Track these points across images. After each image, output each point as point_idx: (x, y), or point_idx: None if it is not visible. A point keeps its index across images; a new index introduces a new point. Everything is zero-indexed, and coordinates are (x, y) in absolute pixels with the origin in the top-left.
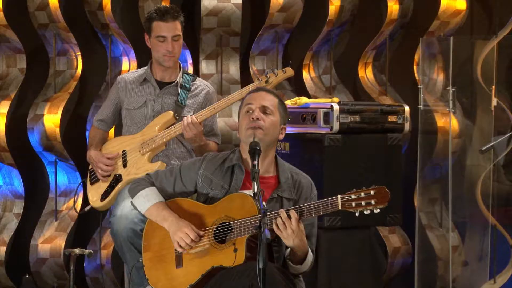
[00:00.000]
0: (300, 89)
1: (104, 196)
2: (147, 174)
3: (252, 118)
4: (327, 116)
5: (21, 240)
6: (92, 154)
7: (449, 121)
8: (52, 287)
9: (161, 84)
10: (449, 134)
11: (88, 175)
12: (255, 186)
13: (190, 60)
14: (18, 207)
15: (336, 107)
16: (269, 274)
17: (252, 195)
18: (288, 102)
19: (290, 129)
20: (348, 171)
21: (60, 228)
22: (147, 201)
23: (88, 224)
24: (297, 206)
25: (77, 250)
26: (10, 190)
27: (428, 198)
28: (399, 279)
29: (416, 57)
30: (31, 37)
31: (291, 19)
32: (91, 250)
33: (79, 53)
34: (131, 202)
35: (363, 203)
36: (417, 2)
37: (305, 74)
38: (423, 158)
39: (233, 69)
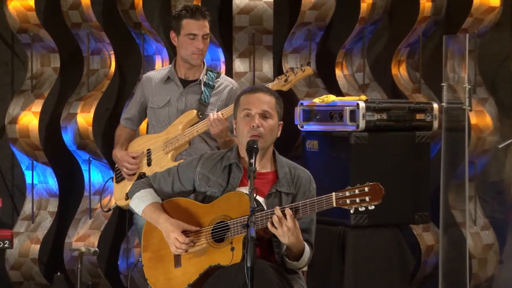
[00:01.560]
0: (333, 87)
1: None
2: (146, 176)
3: (253, 126)
4: (353, 114)
5: (55, 238)
6: (117, 153)
7: (466, 119)
8: (87, 285)
9: (185, 83)
10: (465, 132)
11: (114, 174)
12: (253, 183)
13: (223, 59)
14: (53, 206)
15: (362, 105)
16: (262, 272)
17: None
18: (316, 100)
19: (318, 127)
20: (375, 169)
21: (94, 226)
22: (141, 202)
23: (121, 222)
24: (293, 204)
25: (83, 248)
26: (44, 189)
27: (463, 196)
28: (433, 277)
29: (449, 55)
30: (65, 36)
31: (323, 17)
32: (96, 249)
33: (112, 52)
34: (128, 204)
35: (357, 200)
36: None
37: (337, 72)
38: (451, 155)
39: (266, 67)
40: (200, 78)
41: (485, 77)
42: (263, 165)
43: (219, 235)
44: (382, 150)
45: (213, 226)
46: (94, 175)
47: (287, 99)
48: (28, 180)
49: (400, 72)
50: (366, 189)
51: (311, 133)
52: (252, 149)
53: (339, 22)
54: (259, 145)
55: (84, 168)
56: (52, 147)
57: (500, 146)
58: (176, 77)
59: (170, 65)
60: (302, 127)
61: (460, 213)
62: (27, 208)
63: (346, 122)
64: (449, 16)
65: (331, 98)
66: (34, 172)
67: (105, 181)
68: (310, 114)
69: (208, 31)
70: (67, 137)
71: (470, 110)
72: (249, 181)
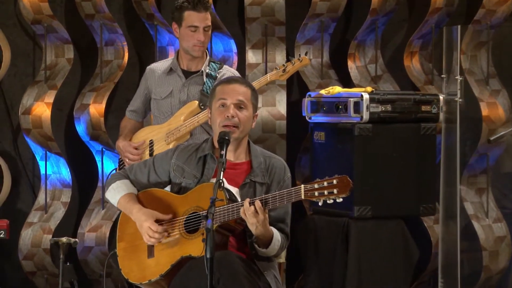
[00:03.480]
0: (346, 78)
1: None
2: (124, 167)
3: (227, 116)
4: (357, 105)
5: (68, 229)
6: (120, 143)
7: (457, 111)
8: (99, 275)
9: (187, 74)
10: (457, 124)
11: (118, 164)
12: (221, 174)
13: (235, 50)
14: (66, 196)
15: (366, 96)
16: (229, 263)
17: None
18: (323, 92)
19: (325, 119)
20: (380, 161)
21: (106, 217)
22: (117, 193)
23: None
24: (263, 196)
25: (64, 239)
26: (58, 179)
27: (476, 188)
28: None
29: (463, 46)
30: (80, 27)
31: (335, 8)
32: (76, 239)
33: (125, 43)
34: (105, 195)
35: (325, 192)
36: None
37: (350, 64)
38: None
39: (279, 58)
40: (202, 69)
41: (501, 68)
42: (237, 156)
43: (192, 226)
44: (387, 141)
45: (186, 217)
46: (108, 166)
47: (300, 91)
48: (42, 170)
49: (413, 63)
50: (335, 181)
51: (319, 124)
52: (223, 141)
53: (353, 13)
54: (233, 135)
55: (97, 158)
56: (66, 138)
57: (491, 139)
58: (178, 68)
59: (173, 57)
60: (310, 118)
61: (472, 205)
62: (41, 198)
63: (350, 114)
64: (462, 8)
65: (337, 89)
66: (47, 163)
67: (109, 172)
68: (317, 106)
69: (209, 23)
70: (80, 128)
71: (462, 102)
72: (218, 173)
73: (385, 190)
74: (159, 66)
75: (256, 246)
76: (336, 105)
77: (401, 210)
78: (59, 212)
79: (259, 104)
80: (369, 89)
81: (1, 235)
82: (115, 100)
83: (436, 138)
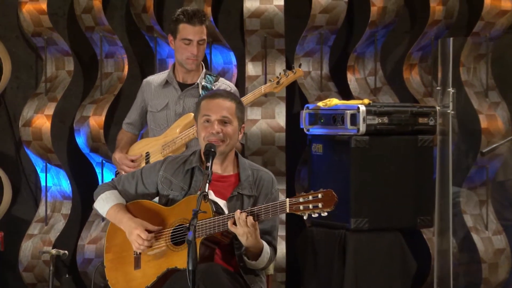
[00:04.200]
0: (345, 91)
1: None
2: (112, 178)
3: (212, 133)
4: (354, 117)
5: (68, 241)
6: (116, 156)
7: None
8: (100, 287)
9: (183, 86)
10: (449, 136)
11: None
12: (206, 187)
13: (235, 62)
14: (66, 208)
15: (362, 108)
16: (214, 275)
17: (209, 197)
18: (320, 104)
19: (322, 131)
20: (377, 173)
21: (106, 229)
22: (106, 203)
23: None
24: (248, 209)
25: (53, 251)
26: (58, 191)
27: (475, 200)
28: None
29: (462, 58)
30: (80, 40)
31: (334, 21)
32: (66, 252)
33: (125, 55)
34: (93, 206)
35: (310, 206)
36: (463, 2)
37: (349, 76)
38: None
39: (279, 70)
40: (198, 81)
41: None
42: (224, 168)
43: (179, 238)
44: (384, 154)
45: (173, 229)
46: (108, 177)
47: (300, 103)
48: (42, 182)
49: (412, 75)
50: (320, 195)
51: (316, 136)
52: (209, 153)
53: (351, 26)
54: (219, 149)
55: (97, 170)
56: (67, 150)
57: (484, 151)
58: (174, 80)
59: (169, 69)
60: (308, 130)
61: (471, 217)
62: (41, 210)
63: (347, 126)
64: (462, 20)
65: (334, 101)
66: (48, 175)
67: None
68: (315, 118)
69: (204, 37)
70: (80, 140)
71: (454, 114)
72: (202, 185)
73: (382, 202)
74: (155, 79)
75: (245, 258)
76: (334, 117)
77: (398, 222)
78: (59, 224)
79: (258, 116)
80: (366, 101)
81: None
82: (117, 112)
83: (433, 150)
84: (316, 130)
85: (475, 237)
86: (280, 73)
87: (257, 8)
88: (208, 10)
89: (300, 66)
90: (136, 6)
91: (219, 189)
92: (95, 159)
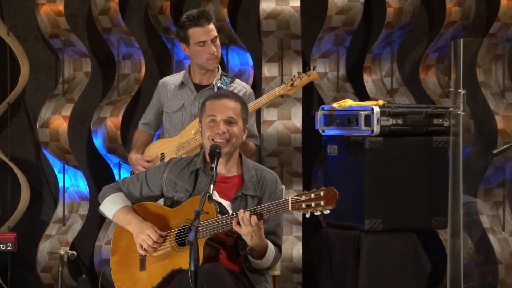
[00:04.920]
0: (362, 92)
1: None
2: (116, 181)
3: (218, 133)
4: (368, 118)
5: (85, 241)
6: (132, 156)
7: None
8: None
9: (199, 87)
10: (460, 137)
11: None
12: (210, 188)
13: (251, 63)
14: (84, 209)
15: (376, 109)
16: (218, 275)
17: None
18: (335, 105)
19: (337, 132)
20: (391, 174)
21: None
22: (113, 206)
23: None
24: (251, 209)
25: (62, 251)
26: (76, 192)
27: (493, 201)
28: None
29: (478, 59)
30: (98, 41)
31: (351, 22)
32: (74, 252)
33: (142, 56)
34: (99, 209)
35: (312, 204)
36: (479, 3)
37: (365, 77)
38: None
39: (296, 71)
40: (214, 82)
41: None
42: (229, 169)
43: (183, 239)
44: (398, 155)
45: (177, 230)
46: None
47: (316, 104)
48: (60, 183)
49: (429, 76)
50: (322, 193)
51: (331, 137)
52: (214, 154)
53: (367, 26)
54: (224, 150)
55: (115, 171)
56: (85, 151)
57: (494, 152)
58: (190, 82)
59: (185, 71)
60: (323, 131)
61: (488, 218)
62: (59, 211)
63: (361, 127)
64: (478, 21)
65: (349, 102)
66: (65, 176)
67: None
68: (330, 119)
69: (215, 34)
70: (98, 141)
71: (465, 115)
72: (206, 185)
73: (396, 203)
74: (171, 80)
75: (250, 258)
76: (348, 118)
77: (412, 223)
78: (76, 225)
79: (275, 117)
80: (380, 102)
81: (9, 248)
82: (135, 114)
83: (448, 151)
84: (331, 131)
85: (491, 238)
86: (294, 76)
87: (273, 9)
88: (224, 11)
89: (314, 68)
90: (153, 8)
91: (223, 190)
92: (112, 160)
